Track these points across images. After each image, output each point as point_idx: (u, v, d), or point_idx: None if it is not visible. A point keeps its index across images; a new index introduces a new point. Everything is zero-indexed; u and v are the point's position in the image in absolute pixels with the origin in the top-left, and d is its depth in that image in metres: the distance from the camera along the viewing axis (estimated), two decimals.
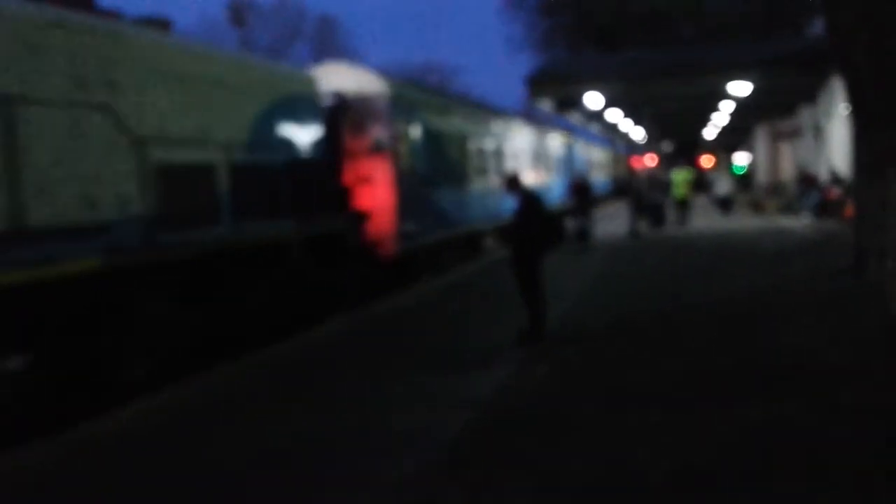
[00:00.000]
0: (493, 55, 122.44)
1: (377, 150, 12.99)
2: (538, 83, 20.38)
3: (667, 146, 52.45)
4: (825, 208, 21.99)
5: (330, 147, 12.05)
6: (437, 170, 15.55)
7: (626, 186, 28.37)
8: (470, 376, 7.17)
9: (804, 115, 30.26)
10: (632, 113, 22.86)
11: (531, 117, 26.92)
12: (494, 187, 18.94)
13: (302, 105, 11.21)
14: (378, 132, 13.06)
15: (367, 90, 13.15)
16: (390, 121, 13.24)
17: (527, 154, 24.11)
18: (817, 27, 24.55)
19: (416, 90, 16.03)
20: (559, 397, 6.36)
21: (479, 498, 4.42)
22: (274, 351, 8.87)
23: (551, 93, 21.93)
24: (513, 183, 8.79)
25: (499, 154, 20.59)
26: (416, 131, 14.51)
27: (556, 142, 29.68)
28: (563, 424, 5.59)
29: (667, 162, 45.73)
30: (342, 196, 12.44)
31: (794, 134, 33.96)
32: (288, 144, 10.65)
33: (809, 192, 24.24)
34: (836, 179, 21.73)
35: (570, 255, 16.31)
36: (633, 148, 42.30)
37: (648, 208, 23.27)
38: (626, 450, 4.99)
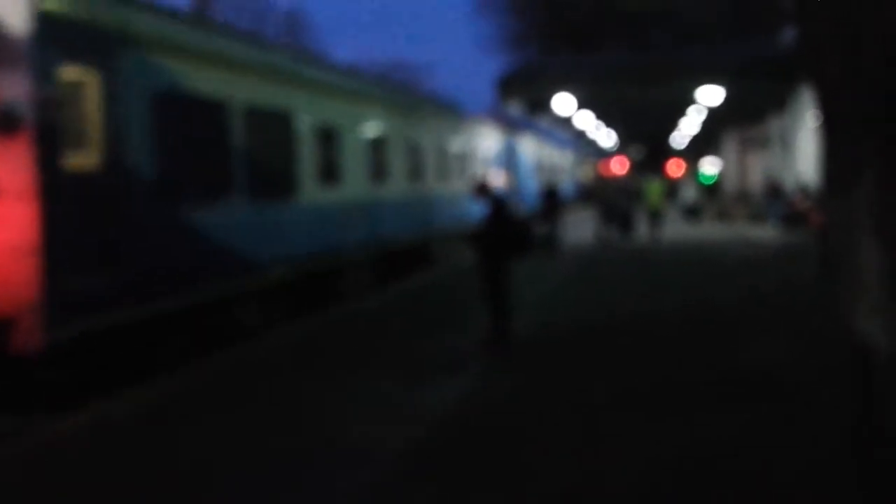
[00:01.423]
0: (465, 55, 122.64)
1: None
2: (509, 84, 20.25)
3: (636, 152, 52.82)
4: (792, 218, 22.14)
5: None
6: (226, 171, 9.26)
7: (593, 192, 28.36)
8: (433, 385, 7.00)
9: (773, 124, 30.54)
10: (603, 116, 22.84)
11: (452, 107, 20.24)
12: (399, 193, 14.69)
13: None
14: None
15: None
16: (39, 68, 6.72)
17: (421, 152, 16.56)
18: (787, 35, 24.71)
19: (141, 12, 8.27)
20: (523, 407, 6.27)
21: None
22: (224, 356, 8.53)
23: (522, 94, 21.80)
24: (482, 189, 8.64)
25: (375, 148, 13.83)
26: (137, 95, 7.86)
27: (487, 138, 23.88)
28: (527, 436, 5.53)
29: (637, 168, 45.99)
30: None
31: (763, 142, 34.29)
32: None
33: (776, 201, 24.44)
34: (803, 190, 21.89)
35: (538, 261, 16.16)
36: (602, 153, 42.45)
37: (616, 215, 23.22)
38: (590, 462, 4.97)
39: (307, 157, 11.16)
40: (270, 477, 4.91)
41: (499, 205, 8.63)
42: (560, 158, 41.57)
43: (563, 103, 22.32)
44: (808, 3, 5.19)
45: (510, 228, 8.63)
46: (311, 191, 11.20)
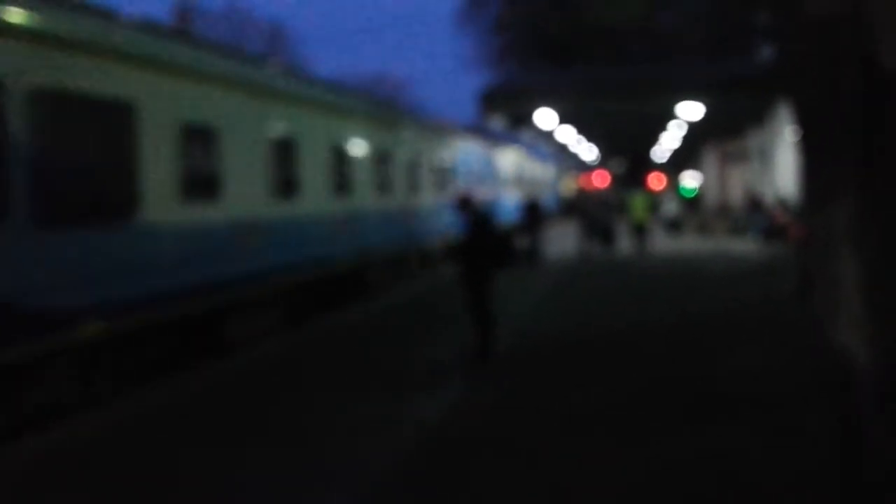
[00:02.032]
0: (447, 70, 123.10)
1: None
2: (490, 99, 20.37)
3: (618, 165, 53.17)
4: (772, 232, 22.41)
5: None
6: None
7: (575, 206, 28.43)
8: (416, 398, 6.97)
9: (752, 138, 30.90)
10: (584, 130, 23.01)
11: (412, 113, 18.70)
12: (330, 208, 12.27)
13: None
14: None
15: None
16: None
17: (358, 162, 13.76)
18: (766, 52, 25.10)
19: None
20: (506, 421, 6.26)
21: None
22: (203, 373, 8.42)
23: (503, 109, 21.94)
24: (464, 203, 8.69)
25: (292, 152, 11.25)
26: None
27: (468, 151, 22.06)
28: (510, 449, 5.53)
29: (619, 181, 46.29)
30: None
31: (742, 156, 34.67)
32: None
33: (755, 215, 24.73)
34: (782, 203, 22.15)
35: (520, 274, 16.18)
36: (585, 166, 42.66)
37: (597, 229, 23.36)
38: (573, 476, 4.97)
39: (160, 162, 8.18)
40: (256, 495, 4.84)
41: (481, 218, 8.65)
42: (543, 172, 41.65)
43: (545, 118, 22.47)
44: (787, 22, 5.28)
45: (492, 241, 8.65)
46: (164, 209, 8.23)
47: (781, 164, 23.97)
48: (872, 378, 3.83)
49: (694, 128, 27.98)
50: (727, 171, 40.71)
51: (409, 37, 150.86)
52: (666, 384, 7.13)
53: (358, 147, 13.51)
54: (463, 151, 21.58)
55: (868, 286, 3.84)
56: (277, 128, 10.69)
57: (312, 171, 11.65)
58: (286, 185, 10.94)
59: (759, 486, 4.68)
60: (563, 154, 41.84)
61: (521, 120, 23.86)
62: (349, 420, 6.42)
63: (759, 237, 22.96)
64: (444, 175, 18.69)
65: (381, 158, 14.48)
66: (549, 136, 28.32)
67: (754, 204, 25.56)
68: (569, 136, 29.04)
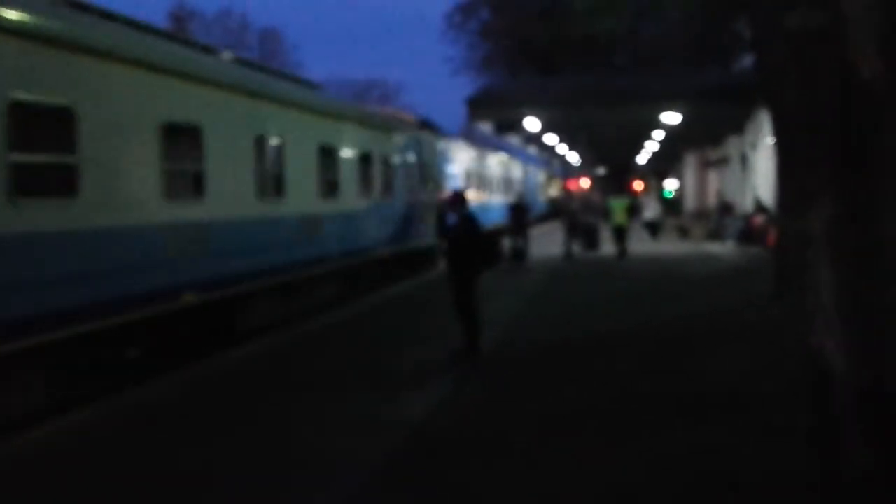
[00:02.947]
0: (437, 75, 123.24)
1: None
2: (476, 105, 20.62)
3: (602, 170, 53.54)
4: (749, 236, 22.88)
5: None
6: None
7: (561, 208, 28.63)
8: (403, 397, 7.04)
9: (731, 145, 31.35)
10: (568, 137, 23.28)
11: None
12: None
13: None
14: None
15: None
16: None
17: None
18: (747, 61, 25.47)
19: None
20: (494, 420, 6.30)
21: None
22: (194, 370, 8.42)
23: (489, 115, 22.21)
24: (459, 201, 8.85)
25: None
26: None
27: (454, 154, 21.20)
28: (496, 449, 5.54)
29: (602, 185, 46.66)
30: None
31: (722, 162, 35.13)
32: None
33: (725, 218, 25.91)
34: (760, 208, 22.56)
35: (505, 274, 16.38)
36: (571, 170, 42.99)
37: (580, 230, 23.64)
38: (558, 475, 5.01)
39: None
40: (246, 492, 4.85)
41: (469, 219, 8.78)
42: (533, 175, 42.07)
43: (530, 124, 22.76)
44: (767, 34, 5.51)
45: (481, 242, 8.79)
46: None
47: (760, 170, 24.43)
48: (848, 379, 4.01)
49: (675, 135, 28.38)
50: (707, 176, 41.20)
51: (403, 43, 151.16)
52: (656, 384, 7.23)
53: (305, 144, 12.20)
54: (448, 155, 21.30)
55: (841, 291, 4.03)
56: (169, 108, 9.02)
57: (224, 170, 9.75)
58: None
59: (738, 484, 4.76)
60: (552, 157, 42.27)
61: (511, 126, 24.14)
62: (343, 413, 6.49)
63: (736, 241, 23.44)
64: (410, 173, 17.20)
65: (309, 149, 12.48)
66: (538, 140, 28.55)
67: (725, 208, 27.55)
68: (554, 141, 29.31)
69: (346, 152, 13.58)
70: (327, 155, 12.70)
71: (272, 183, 10.97)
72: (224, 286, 9.54)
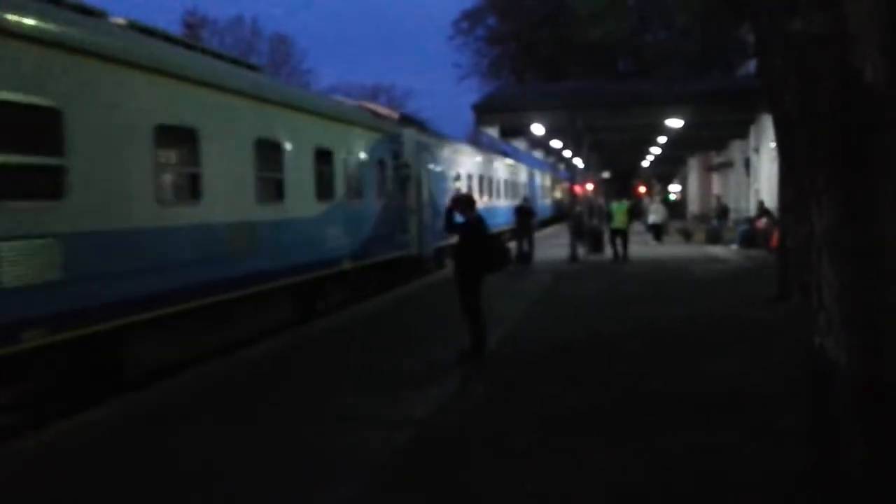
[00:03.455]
0: (445, 81, 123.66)
1: None
2: (482, 111, 20.68)
3: (607, 174, 53.56)
4: (752, 238, 23.02)
5: None
6: None
7: (566, 211, 28.65)
8: (408, 396, 7.08)
9: (735, 149, 31.38)
10: (573, 142, 23.33)
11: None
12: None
13: None
14: None
15: None
16: None
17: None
18: (750, 66, 25.55)
19: None
20: (497, 420, 6.31)
21: None
22: (201, 371, 8.51)
23: (496, 121, 22.29)
24: (467, 205, 8.92)
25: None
26: None
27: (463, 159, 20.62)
28: (500, 449, 5.55)
29: (606, 189, 46.65)
30: None
31: (725, 166, 35.16)
32: None
33: (723, 221, 27.22)
34: (763, 211, 22.63)
35: (511, 276, 16.41)
36: (577, 174, 43.03)
37: (584, 233, 23.69)
38: (559, 475, 5.02)
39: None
40: (246, 493, 4.86)
41: (475, 221, 8.87)
42: (539, 179, 42.17)
43: (536, 129, 22.85)
44: (767, 39, 5.56)
45: (488, 244, 8.88)
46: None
47: (763, 174, 24.49)
48: (849, 379, 4.05)
49: (679, 140, 28.43)
50: (711, 180, 41.21)
51: (414, 49, 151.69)
52: (659, 385, 7.25)
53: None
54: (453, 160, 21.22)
55: (843, 292, 4.07)
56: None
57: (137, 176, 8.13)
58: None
59: (739, 482, 4.78)
60: (559, 162, 42.43)
61: (520, 131, 24.25)
62: (349, 412, 6.54)
63: (739, 243, 23.56)
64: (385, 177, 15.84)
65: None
66: (544, 144, 28.69)
67: (723, 211, 29.66)
68: (559, 146, 29.46)
69: (296, 148, 11.63)
70: (268, 150, 10.77)
71: (184, 184, 9.17)
72: (97, 319, 7.30)
